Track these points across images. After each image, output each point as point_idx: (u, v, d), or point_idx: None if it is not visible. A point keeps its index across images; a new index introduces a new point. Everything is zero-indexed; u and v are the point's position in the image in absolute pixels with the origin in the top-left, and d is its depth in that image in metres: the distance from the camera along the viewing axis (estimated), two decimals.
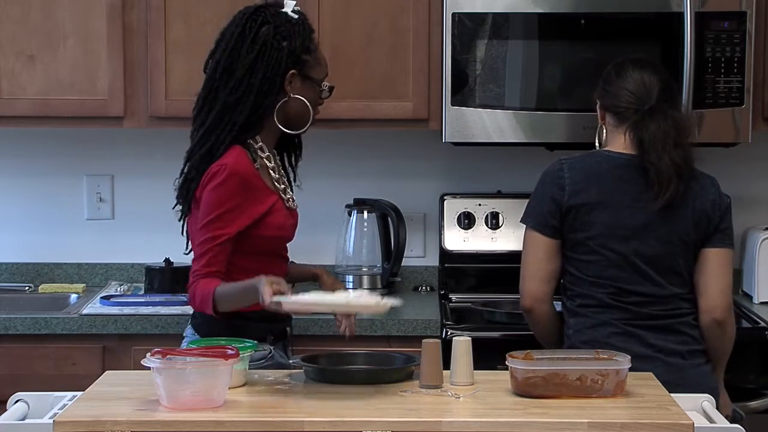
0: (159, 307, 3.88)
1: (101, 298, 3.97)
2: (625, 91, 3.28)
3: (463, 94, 3.90)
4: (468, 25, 3.88)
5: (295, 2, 3.23)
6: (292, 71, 3.18)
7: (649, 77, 3.28)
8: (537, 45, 3.93)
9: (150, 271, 4.10)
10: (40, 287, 4.24)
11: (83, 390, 2.73)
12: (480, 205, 4.26)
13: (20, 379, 3.65)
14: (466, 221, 4.24)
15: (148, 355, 2.59)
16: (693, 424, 2.49)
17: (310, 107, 3.21)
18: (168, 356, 2.59)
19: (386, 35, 3.97)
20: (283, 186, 3.26)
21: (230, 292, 3.03)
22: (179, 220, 3.31)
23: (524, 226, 3.31)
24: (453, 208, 4.26)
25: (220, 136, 3.15)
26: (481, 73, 3.90)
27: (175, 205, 3.30)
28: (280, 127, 3.20)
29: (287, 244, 3.31)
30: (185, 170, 3.24)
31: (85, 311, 3.83)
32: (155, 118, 4.02)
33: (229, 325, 3.09)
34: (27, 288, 4.27)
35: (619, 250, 3.22)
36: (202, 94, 3.22)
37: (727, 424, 2.57)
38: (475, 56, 3.90)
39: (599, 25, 3.90)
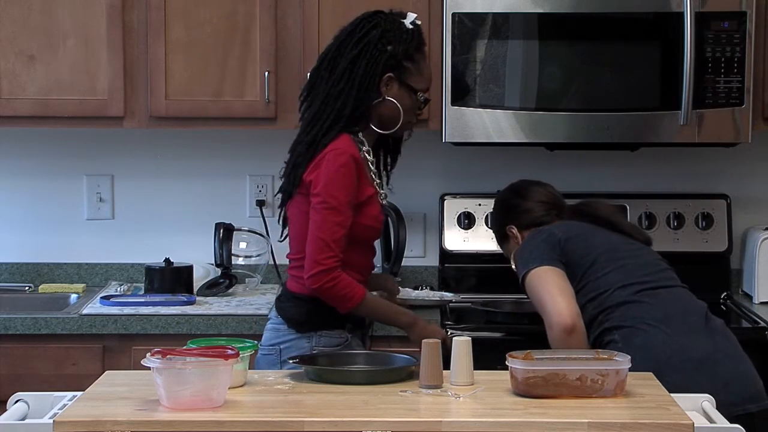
0: (159, 307, 3.88)
1: (101, 298, 3.97)
2: (538, 203, 3.52)
3: (463, 94, 3.90)
4: (468, 25, 3.88)
5: (416, 15, 3.33)
6: (390, 74, 3.28)
7: (550, 190, 3.56)
8: (537, 45, 3.93)
9: (150, 271, 4.09)
10: (40, 287, 4.24)
11: (83, 390, 2.73)
12: (480, 205, 4.26)
13: (20, 379, 3.65)
14: (466, 221, 4.24)
15: (148, 355, 2.59)
16: (693, 424, 2.49)
17: (401, 111, 3.29)
18: (168, 356, 2.59)
19: None
20: (378, 181, 3.36)
21: (377, 307, 3.31)
22: (279, 208, 3.37)
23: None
24: (453, 208, 4.26)
25: (325, 125, 3.26)
26: (481, 73, 3.90)
27: (278, 192, 3.36)
28: (371, 125, 3.30)
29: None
30: (293, 157, 3.31)
31: (85, 311, 3.83)
32: (155, 118, 4.01)
33: (313, 310, 3.25)
34: (27, 288, 4.27)
35: (631, 257, 3.31)
36: (308, 83, 3.36)
37: (727, 424, 2.57)
38: (475, 56, 3.90)
39: (599, 25, 3.90)
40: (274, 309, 3.36)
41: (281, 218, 3.39)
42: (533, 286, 3.25)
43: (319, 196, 3.20)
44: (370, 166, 3.32)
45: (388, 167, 3.46)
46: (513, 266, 3.45)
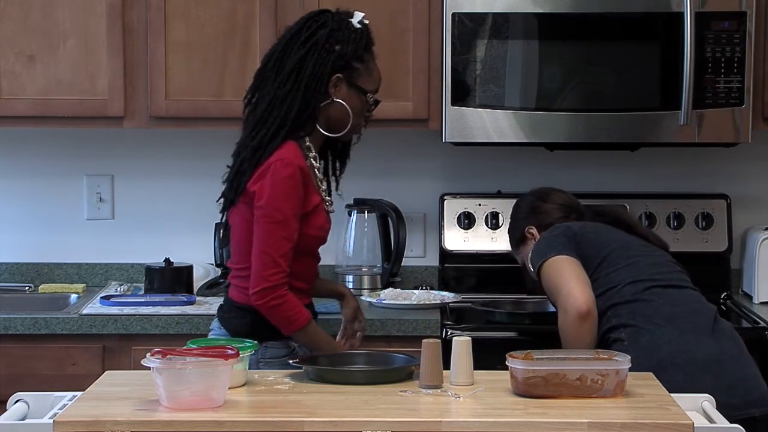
0: (159, 307, 3.88)
1: (101, 298, 3.97)
2: (559, 206, 3.54)
3: (463, 94, 3.90)
4: (468, 25, 3.88)
5: (363, 14, 3.27)
6: (338, 75, 3.21)
7: (570, 195, 3.59)
8: (537, 45, 3.93)
9: (150, 271, 4.09)
10: (40, 287, 4.24)
11: (83, 390, 2.73)
12: (480, 205, 4.26)
13: (20, 379, 3.65)
14: (466, 221, 4.24)
15: (148, 355, 2.59)
16: (693, 424, 2.49)
17: (350, 113, 3.23)
18: (168, 356, 2.59)
19: (386, 35, 3.96)
20: (324, 187, 3.30)
21: (317, 337, 3.21)
22: (220, 212, 3.31)
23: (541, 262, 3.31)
24: (453, 208, 4.26)
25: (271, 129, 3.18)
26: (481, 73, 3.90)
27: (220, 198, 3.30)
28: (319, 128, 3.23)
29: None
30: (237, 163, 3.23)
31: (85, 311, 3.83)
32: (155, 118, 4.01)
33: (257, 321, 3.17)
34: (27, 288, 4.27)
35: (643, 256, 3.33)
36: (253, 84, 3.28)
37: (727, 424, 2.57)
38: (475, 56, 3.90)
39: (599, 25, 3.90)
40: (217, 319, 3.31)
41: (222, 224, 3.30)
42: (549, 274, 3.26)
43: (263, 209, 3.12)
44: (317, 173, 3.25)
45: (337, 172, 3.38)
46: (529, 267, 3.44)
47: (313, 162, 3.24)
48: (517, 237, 3.59)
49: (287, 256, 3.13)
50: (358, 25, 3.23)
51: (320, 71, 3.18)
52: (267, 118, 3.19)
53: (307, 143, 3.23)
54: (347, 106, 3.23)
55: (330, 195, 3.35)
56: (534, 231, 3.50)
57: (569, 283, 3.20)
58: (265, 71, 3.24)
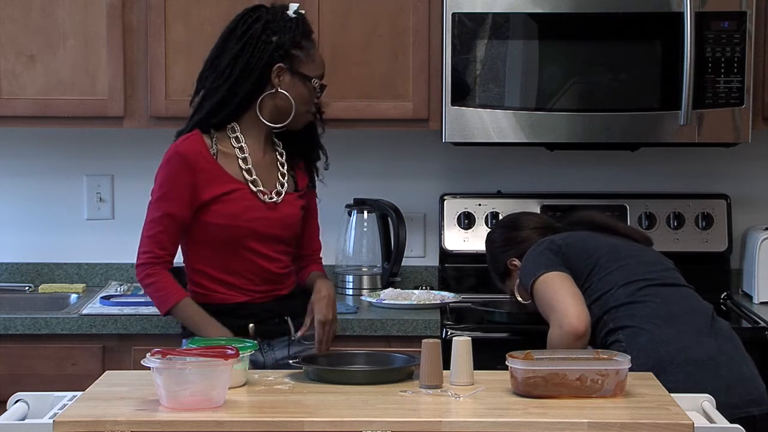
0: None
1: (101, 298, 3.97)
2: (533, 230, 3.50)
3: (463, 94, 3.90)
4: (468, 25, 3.88)
5: (297, 5, 3.29)
6: (280, 65, 3.23)
7: (539, 215, 3.63)
8: (537, 45, 3.93)
9: None
10: (40, 287, 4.24)
11: (83, 390, 2.73)
12: (480, 205, 4.26)
13: (20, 379, 3.65)
14: (466, 221, 4.24)
15: (148, 355, 2.59)
16: (693, 424, 2.49)
17: (292, 103, 3.25)
18: (168, 356, 2.59)
19: (386, 35, 3.97)
20: (253, 178, 3.26)
21: (193, 318, 3.23)
22: None
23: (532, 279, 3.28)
24: (453, 208, 4.26)
25: (192, 122, 3.29)
26: (481, 73, 3.90)
27: None
28: (261, 119, 3.26)
29: (282, 244, 3.34)
30: None
31: (85, 311, 3.83)
32: (155, 118, 4.01)
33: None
34: (27, 288, 4.27)
35: (633, 257, 3.31)
36: (195, 89, 3.33)
37: (727, 424, 2.57)
38: (475, 56, 3.90)
39: (599, 25, 3.90)
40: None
41: None
42: (543, 292, 3.22)
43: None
44: (240, 162, 3.25)
45: (312, 166, 3.43)
46: (518, 298, 3.44)
47: (238, 152, 3.26)
48: (500, 271, 3.57)
49: (156, 239, 3.24)
50: (294, 15, 3.26)
51: (254, 63, 3.21)
52: (196, 112, 3.29)
53: (236, 133, 3.26)
54: (289, 96, 3.25)
55: (314, 185, 3.42)
56: (517, 262, 3.46)
57: (565, 299, 3.17)
58: (204, 72, 3.30)
